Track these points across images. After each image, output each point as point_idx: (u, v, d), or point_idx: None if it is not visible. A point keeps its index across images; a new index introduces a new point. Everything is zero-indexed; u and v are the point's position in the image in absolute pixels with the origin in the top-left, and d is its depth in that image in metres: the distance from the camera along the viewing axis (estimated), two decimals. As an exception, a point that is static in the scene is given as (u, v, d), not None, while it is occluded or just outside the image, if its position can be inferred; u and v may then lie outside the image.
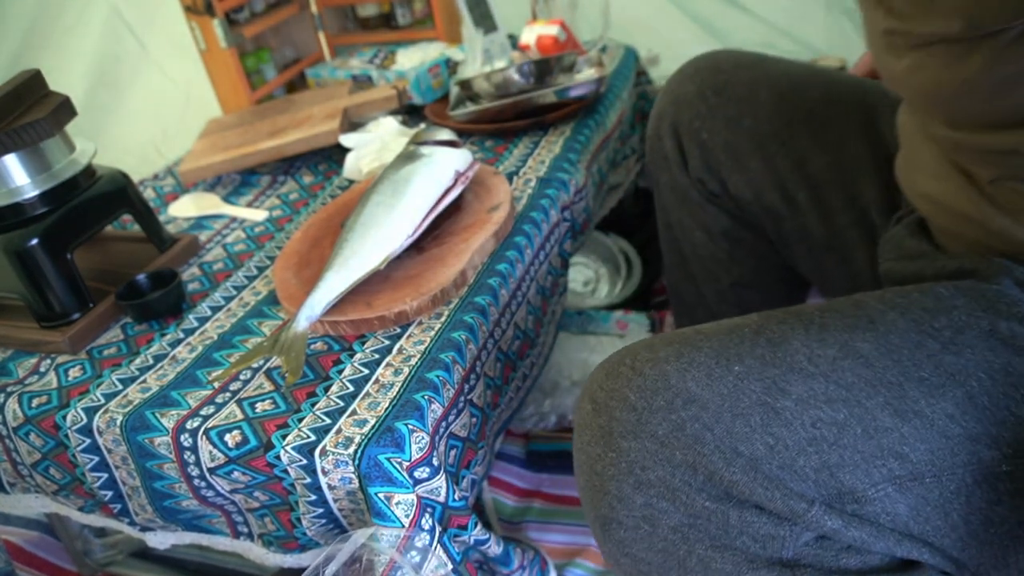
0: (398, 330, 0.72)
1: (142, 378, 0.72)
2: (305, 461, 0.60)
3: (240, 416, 0.64)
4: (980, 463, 0.49)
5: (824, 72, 0.78)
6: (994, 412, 0.49)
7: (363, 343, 0.71)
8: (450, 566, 0.62)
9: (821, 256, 0.80)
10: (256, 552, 0.73)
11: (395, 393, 0.64)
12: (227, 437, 0.63)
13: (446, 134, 0.90)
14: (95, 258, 0.93)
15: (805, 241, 0.80)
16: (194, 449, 0.64)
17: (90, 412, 0.68)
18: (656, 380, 0.50)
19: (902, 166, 0.65)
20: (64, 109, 0.78)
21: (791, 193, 0.77)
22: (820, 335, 0.51)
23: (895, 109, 0.71)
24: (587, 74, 1.14)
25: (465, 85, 1.13)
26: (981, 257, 0.56)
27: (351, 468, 0.59)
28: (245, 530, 0.72)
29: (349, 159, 1.05)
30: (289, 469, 0.61)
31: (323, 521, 0.65)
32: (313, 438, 0.61)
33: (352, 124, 1.13)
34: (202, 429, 0.64)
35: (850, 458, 0.49)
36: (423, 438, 0.60)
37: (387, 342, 0.70)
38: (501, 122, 1.07)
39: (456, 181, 0.83)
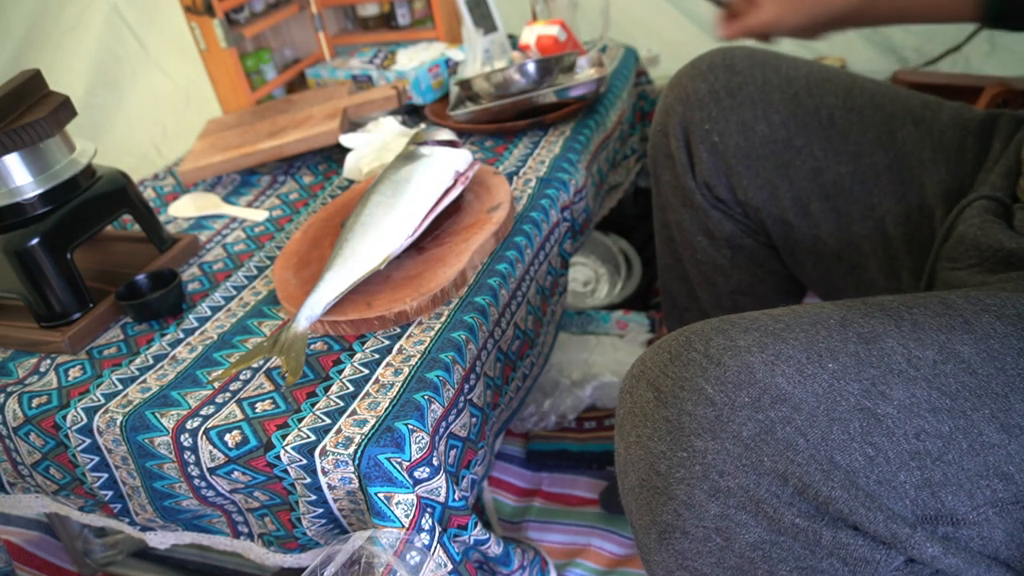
0: (398, 330, 0.72)
1: (142, 378, 0.72)
2: (305, 461, 0.60)
3: (240, 416, 0.64)
4: None
5: (841, 75, 0.75)
6: None
7: (363, 343, 0.71)
8: (450, 566, 0.62)
9: (830, 265, 0.77)
10: (256, 552, 0.73)
11: (395, 393, 0.64)
12: (227, 437, 0.63)
13: (446, 134, 0.90)
14: (95, 258, 0.93)
15: (815, 251, 0.78)
16: (194, 449, 0.64)
17: (90, 412, 0.68)
18: (739, 372, 0.44)
19: None
20: (64, 109, 0.78)
21: (805, 202, 0.75)
22: (915, 334, 0.47)
23: (914, 117, 0.70)
24: (587, 74, 1.14)
25: (465, 85, 1.13)
26: None
27: (351, 468, 0.59)
28: (245, 530, 0.72)
29: (349, 159, 1.05)
30: (289, 469, 0.62)
31: (323, 521, 0.65)
32: (313, 438, 0.61)
33: (352, 124, 1.13)
34: (202, 429, 0.64)
35: (954, 476, 0.44)
36: (423, 438, 0.60)
37: (387, 342, 0.70)
38: (501, 122, 1.07)
39: (456, 181, 0.83)
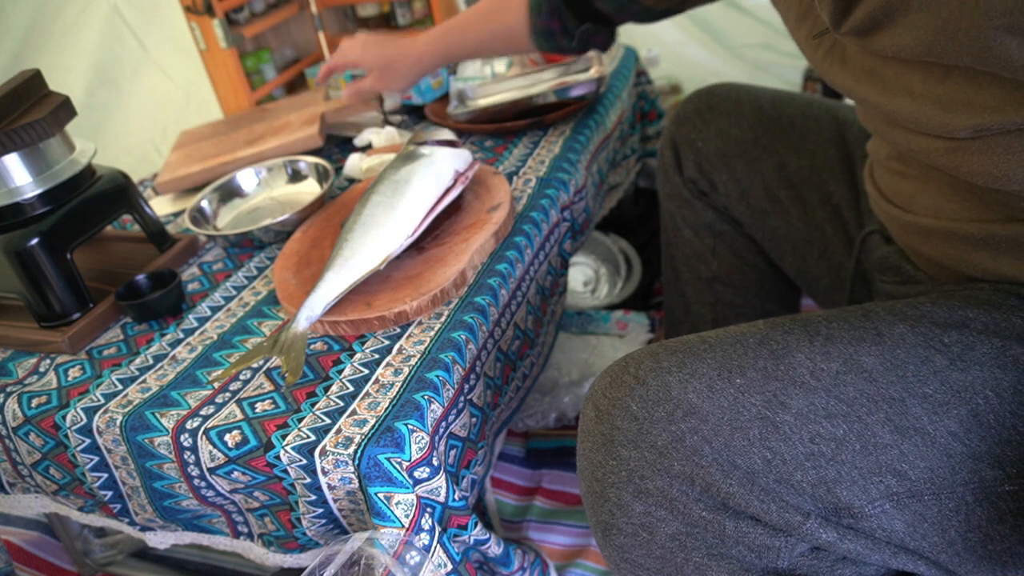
0: (398, 330, 0.72)
1: (142, 378, 0.72)
2: (305, 461, 0.60)
3: (240, 416, 0.64)
4: (982, 482, 0.49)
5: (803, 96, 0.89)
6: (999, 431, 0.49)
7: (363, 343, 0.71)
8: (450, 566, 0.62)
9: (804, 250, 0.85)
10: (256, 552, 0.73)
11: (395, 393, 0.64)
12: (227, 437, 0.63)
13: (446, 134, 0.90)
14: (95, 258, 0.93)
15: (789, 237, 0.86)
16: (194, 449, 0.64)
17: (90, 412, 0.68)
18: (658, 391, 0.51)
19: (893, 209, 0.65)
20: (64, 109, 0.78)
21: (774, 191, 0.85)
22: (825, 348, 0.52)
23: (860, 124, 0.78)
24: (587, 74, 1.14)
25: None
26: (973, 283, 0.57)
27: (351, 468, 0.59)
28: (245, 530, 0.72)
29: (350, 159, 1.05)
30: (289, 469, 0.61)
31: (323, 521, 0.65)
32: (313, 438, 0.61)
33: (332, 127, 1.14)
34: (202, 429, 0.64)
35: (847, 474, 0.49)
36: (423, 438, 0.60)
37: (387, 342, 0.70)
38: (501, 122, 1.07)
39: (456, 181, 0.83)
